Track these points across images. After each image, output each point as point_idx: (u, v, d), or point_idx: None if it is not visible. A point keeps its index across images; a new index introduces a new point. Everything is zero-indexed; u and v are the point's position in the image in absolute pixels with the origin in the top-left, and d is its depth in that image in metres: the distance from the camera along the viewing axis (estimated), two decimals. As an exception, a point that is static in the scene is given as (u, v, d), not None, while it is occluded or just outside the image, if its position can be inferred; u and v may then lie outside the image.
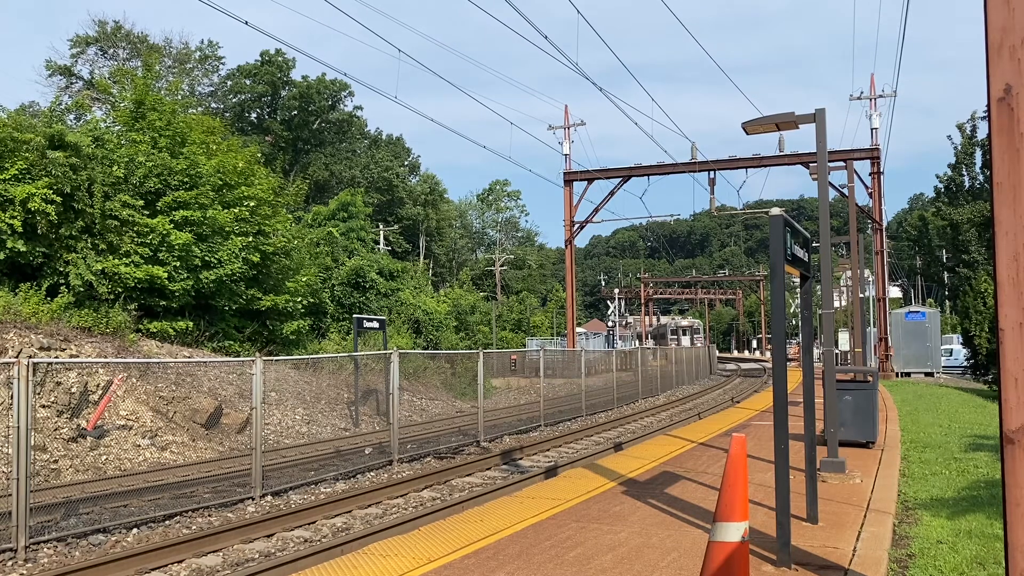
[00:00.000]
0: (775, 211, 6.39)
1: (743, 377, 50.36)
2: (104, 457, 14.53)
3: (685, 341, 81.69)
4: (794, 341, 55.56)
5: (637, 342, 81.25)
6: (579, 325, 68.14)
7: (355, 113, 75.40)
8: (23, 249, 19.72)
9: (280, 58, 68.14)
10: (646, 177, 45.99)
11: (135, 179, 22.22)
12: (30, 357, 10.86)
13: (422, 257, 76.50)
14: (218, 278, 22.84)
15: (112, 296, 20.66)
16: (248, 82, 68.44)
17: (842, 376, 12.45)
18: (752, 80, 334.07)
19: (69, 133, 21.68)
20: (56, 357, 16.31)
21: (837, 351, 35.49)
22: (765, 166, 43.46)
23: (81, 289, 20.43)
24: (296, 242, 28.27)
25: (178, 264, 21.89)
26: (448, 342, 38.89)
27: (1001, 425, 2.96)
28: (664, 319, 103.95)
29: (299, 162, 69.14)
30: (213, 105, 65.94)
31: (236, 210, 23.97)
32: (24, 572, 8.69)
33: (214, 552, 9.31)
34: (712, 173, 43.23)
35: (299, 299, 26.78)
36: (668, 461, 11.78)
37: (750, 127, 11.54)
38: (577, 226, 47.27)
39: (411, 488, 13.08)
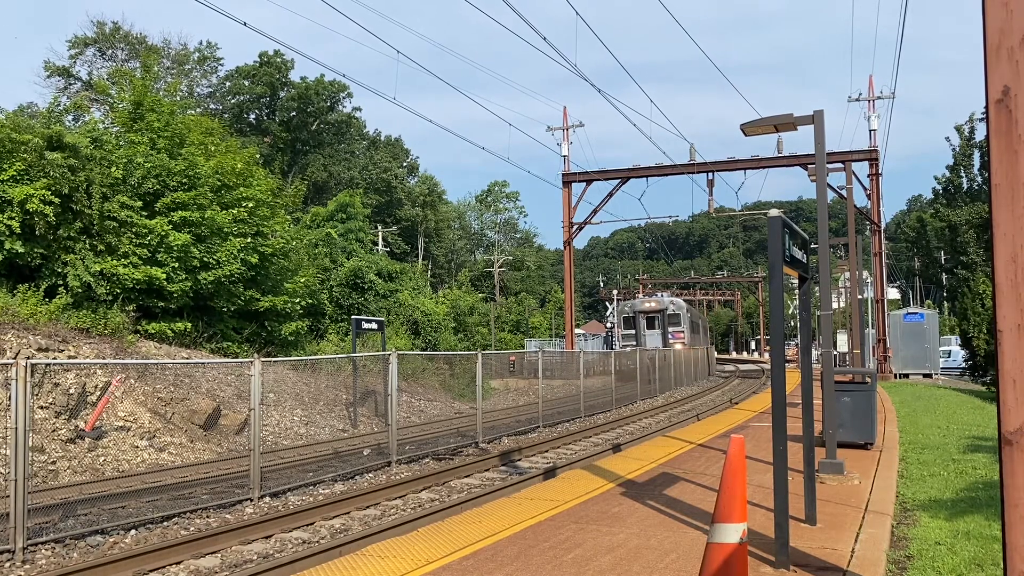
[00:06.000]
0: (773, 212, 6.39)
1: (741, 378, 50.35)
2: (102, 458, 14.52)
3: (652, 339, 49.82)
4: (792, 342, 55.57)
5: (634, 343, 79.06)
6: (578, 326, 68.07)
7: (354, 114, 75.41)
8: (21, 250, 19.71)
9: (279, 59, 68.12)
10: (645, 178, 46.07)
11: (133, 180, 22.21)
12: (28, 358, 10.85)
13: (420, 258, 76.48)
14: (216, 279, 22.82)
15: (110, 297, 20.64)
16: (247, 83, 68.41)
17: (840, 377, 12.45)
18: (750, 81, 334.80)
19: (67, 134, 21.67)
20: (54, 358, 16.30)
21: (835, 352, 35.49)
22: (764, 167, 43.52)
23: (79, 290, 20.41)
24: (295, 243, 28.27)
25: (176, 265, 21.88)
26: (447, 343, 38.89)
27: (999, 426, 2.96)
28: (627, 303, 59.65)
29: (298, 163, 69.13)
30: (212, 106, 65.91)
31: (235, 211, 23.97)
32: (22, 573, 8.68)
33: (212, 553, 9.30)
34: (710, 174, 43.29)
35: (297, 300, 26.77)
36: (667, 462, 11.78)
37: (749, 129, 11.55)
38: (576, 227, 47.29)
39: (409, 489, 13.07)
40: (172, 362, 18.74)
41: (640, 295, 65.05)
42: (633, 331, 51.98)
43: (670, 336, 50.73)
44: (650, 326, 51.81)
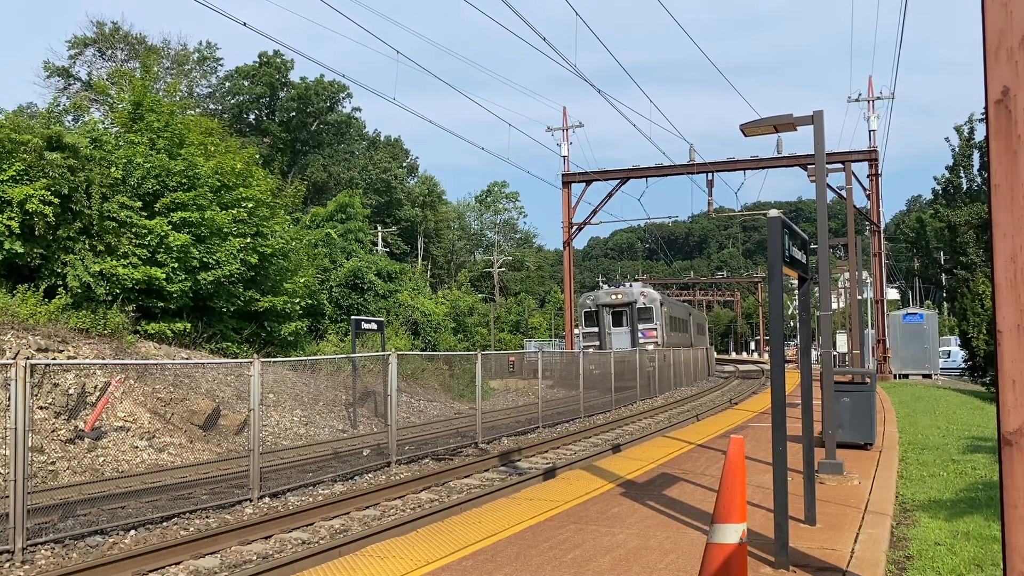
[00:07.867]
0: (773, 213, 6.40)
1: (741, 379, 50.35)
2: (102, 459, 14.51)
3: (618, 339, 41.20)
4: (792, 343, 55.60)
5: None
6: (577, 327, 67.96)
7: (353, 114, 75.40)
8: (21, 250, 19.70)
9: (278, 59, 68.11)
10: (644, 179, 46.07)
11: (133, 180, 22.20)
12: (27, 358, 10.85)
13: (420, 258, 76.48)
14: (216, 279, 22.82)
15: (110, 297, 20.64)
16: (246, 83, 68.40)
17: (840, 378, 12.46)
18: (750, 81, 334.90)
19: (67, 134, 21.66)
20: (54, 358, 16.28)
21: (835, 353, 35.49)
22: (763, 168, 43.52)
23: (79, 290, 20.40)
24: (294, 243, 28.26)
25: (176, 265, 21.87)
26: (446, 343, 38.88)
27: (999, 427, 2.96)
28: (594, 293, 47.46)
29: (297, 163, 69.11)
30: (211, 106, 65.87)
31: (234, 211, 23.96)
32: (21, 574, 8.68)
33: (212, 554, 9.29)
34: (710, 175, 43.28)
35: (297, 300, 26.76)
36: (666, 463, 11.77)
37: (748, 129, 11.55)
38: (575, 228, 47.28)
39: (409, 490, 13.06)
40: (172, 362, 18.73)
41: (604, 286, 52.32)
42: (596, 329, 42.83)
43: (640, 335, 41.66)
44: (616, 322, 42.60)
